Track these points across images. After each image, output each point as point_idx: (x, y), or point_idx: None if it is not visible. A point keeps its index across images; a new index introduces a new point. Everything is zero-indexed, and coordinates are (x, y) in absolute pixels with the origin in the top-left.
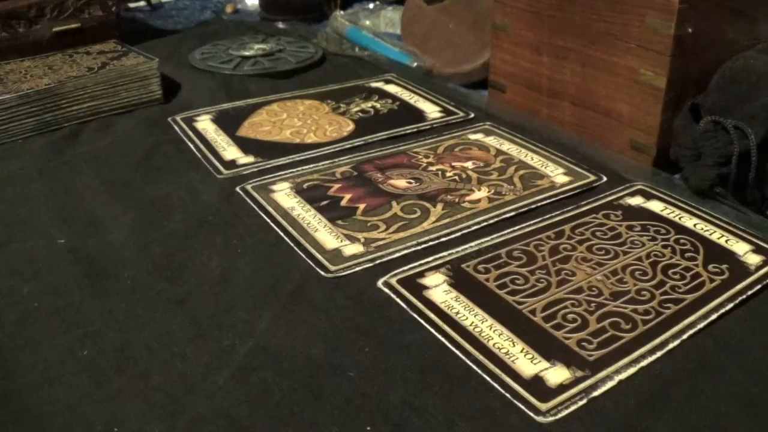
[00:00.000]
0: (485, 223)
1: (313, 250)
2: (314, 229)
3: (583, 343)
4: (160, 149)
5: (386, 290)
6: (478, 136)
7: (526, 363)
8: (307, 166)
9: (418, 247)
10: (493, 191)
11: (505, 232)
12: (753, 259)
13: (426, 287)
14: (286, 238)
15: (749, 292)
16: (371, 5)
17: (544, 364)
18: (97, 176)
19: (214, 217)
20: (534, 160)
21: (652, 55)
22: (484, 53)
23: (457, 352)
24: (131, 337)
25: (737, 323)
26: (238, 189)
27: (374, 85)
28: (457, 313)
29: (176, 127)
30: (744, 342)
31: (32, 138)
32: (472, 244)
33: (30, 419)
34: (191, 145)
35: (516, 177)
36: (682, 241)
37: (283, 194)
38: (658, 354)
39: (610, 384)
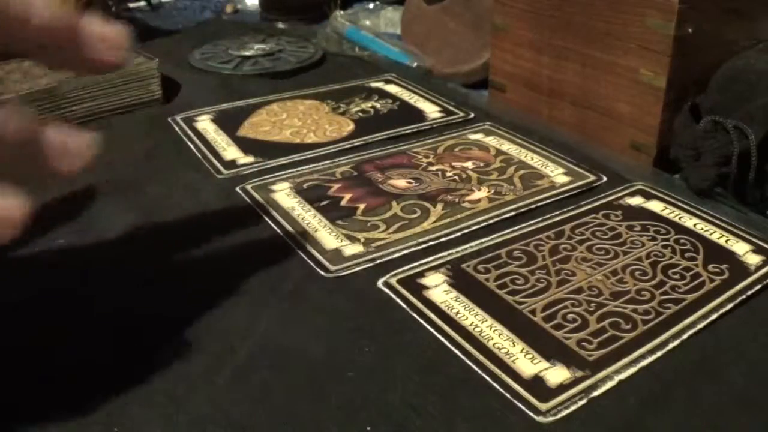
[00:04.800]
0: (485, 223)
1: (313, 250)
2: (314, 229)
3: (583, 343)
4: (160, 149)
5: (386, 290)
6: (478, 136)
7: (526, 363)
8: (307, 166)
9: (418, 247)
10: (493, 191)
11: (505, 232)
12: (753, 259)
13: (426, 287)
14: (286, 238)
15: (749, 292)
16: (371, 5)
17: (544, 364)
18: (97, 176)
19: (214, 217)
20: (534, 160)
21: (652, 55)
22: (484, 53)
23: (457, 352)
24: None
25: (737, 323)
26: (238, 189)
27: (374, 85)
28: (457, 313)
29: (176, 127)
30: (744, 342)
31: None
32: (472, 244)
33: (30, 418)
34: (191, 145)
35: (516, 177)
36: (682, 241)
37: (283, 194)
38: (658, 354)
39: (610, 384)
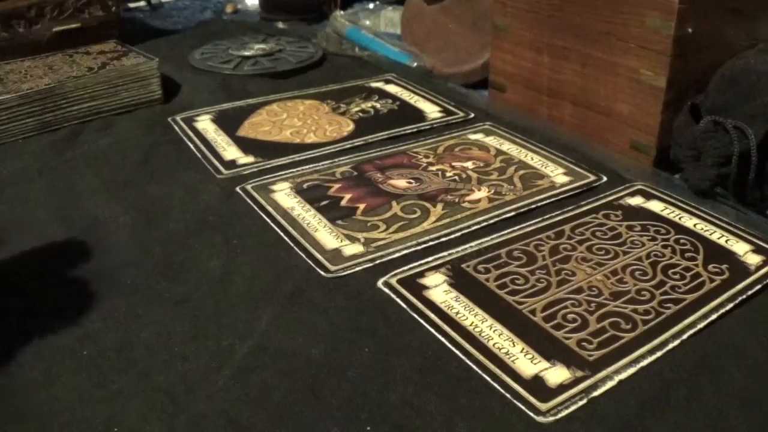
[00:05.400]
0: (485, 223)
1: (313, 250)
2: (314, 229)
3: (583, 343)
4: (160, 149)
5: (386, 290)
6: (478, 136)
7: (526, 363)
8: (307, 166)
9: (418, 247)
10: (493, 191)
11: (505, 232)
12: (753, 259)
13: (426, 287)
14: (286, 238)
15: (749, 292)
16: (371, 5)
17: (544, 364)
18: (97, 176)
19: (214, 217)
20: (534, 160)
21: (652, 55)
22: (484, 53)
23: (457, 352)
24: (131, 337)
25: (737, 323)
26: (238, 189)
27: (374, 85)
28: (457, 313)
29: (176, 127)
30: (744, 342)
31: (32, 138)
32: (472, 244)
33: (31, 419)
34: (191, 146)
35: (516, 177)
36: (682, 241)
37: (283, 194)
38: (658, 354)
39: (610, 384)
